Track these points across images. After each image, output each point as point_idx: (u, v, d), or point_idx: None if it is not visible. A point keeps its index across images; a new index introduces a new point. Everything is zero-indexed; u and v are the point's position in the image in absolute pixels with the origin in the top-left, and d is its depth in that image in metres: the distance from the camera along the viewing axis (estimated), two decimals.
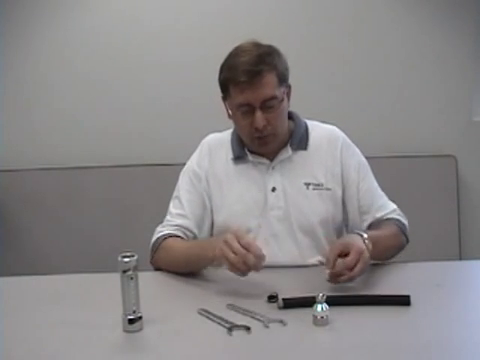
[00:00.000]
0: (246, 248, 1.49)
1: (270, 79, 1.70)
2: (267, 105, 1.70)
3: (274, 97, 1.71)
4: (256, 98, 1.69)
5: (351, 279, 1.52)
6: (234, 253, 1.49)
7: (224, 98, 1.79)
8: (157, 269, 1.79)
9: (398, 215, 1.84)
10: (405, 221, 1.85)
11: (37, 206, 3.05)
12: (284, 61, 1.76)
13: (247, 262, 1.48)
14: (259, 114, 1.70)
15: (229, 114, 1.80)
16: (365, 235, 1.59)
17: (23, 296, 1.64)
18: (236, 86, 1.70)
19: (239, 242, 1.50)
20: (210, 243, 1.65)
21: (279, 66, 1.73)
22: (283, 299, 1.47)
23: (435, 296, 1.53)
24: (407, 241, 1.83)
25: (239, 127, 1.79)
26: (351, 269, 1.50)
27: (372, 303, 1.46)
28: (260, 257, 1.49)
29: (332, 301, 1.40)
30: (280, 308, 1.46)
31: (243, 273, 1.51)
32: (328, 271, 1.53)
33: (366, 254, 1.53)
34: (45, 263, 2.96)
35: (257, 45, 1.73)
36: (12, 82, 3.06)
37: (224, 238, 1.52)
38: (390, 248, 1.74)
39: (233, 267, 1.50)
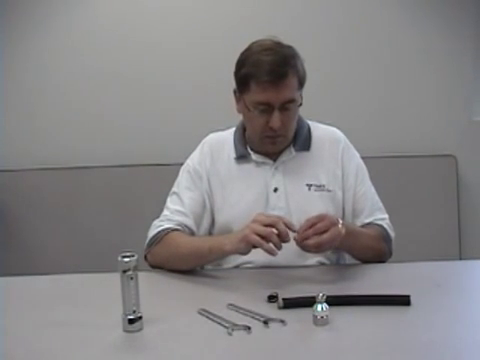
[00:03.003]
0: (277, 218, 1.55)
1: (293, 82, 1.71)
2: (285, 107, 1.71)
3: (294, 100, 1.72)
4: (277, 99, 1.69)
5: (318, 247, 1.55)
6: (264, 225, 1.53)
7: (239, 92, 1.77)
8: (153, 265, 1.78)
9: (386, 224, 1.85)
10: (392, 233, 1.85)
11: (37, 206, 3.05)
12: (302, 63, 1.76)
13: (278, 228, 1.52)
14: (277, 114, 1.70)
15: (239, 108, 1.79)
16: (340, 220, 1.62)
17: (23, 296, 1.63)
18: (259, 84, 1.69)
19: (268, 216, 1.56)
20: (226, 237, 1.65)
21: (300, 69, 1.74)
22: (283, 299, 1.47)
23: (435, 296, 1.53)
24: (390, 253, 1.83)
25: (252, 124, 1.78)
26: (320, 235, 1.54)
27: (372, 303, 1.46)
28: (291, 225, 1.55)
29: (332, 301, 1.40)
30: (280, 308, 1.46)
31: (273, 250, 1.52)
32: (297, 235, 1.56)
33: (338, 227, 1.57)
34: (45, 263, 2.96)
35: (279, 44, 1.74)
36: (13, 82, 3.06)
37: (253, 219, 1.56)
38: (366, 247, 1.76)
39: (263, 240, 1.52)
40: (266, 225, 1.54)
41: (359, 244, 1.73)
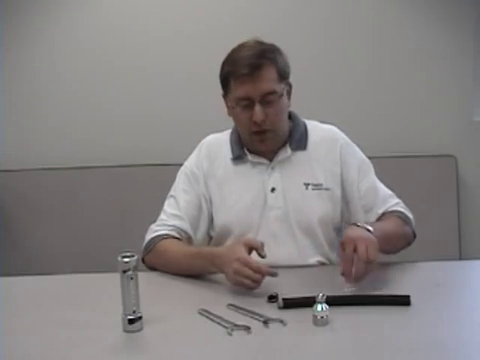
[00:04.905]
0: (257, 271, 1.52)
1: (271, 73, 1.71)
2: (267, 100, 1.71)
3: (274, 92, 1.72)
4: (256, 91, 1.70)
5: (370, 269, 1.49)
6: (248, 278, 1.52)
7: (224, 93, 1.79)
8: (150, 268, 1.79)
9: (401, 207, 1.82)
10: (409, 214, 1.82)
11: (37, 206, 3.04)
12: (285, 58, 1.77)
13: (259, 281, 1.53)
14: (258, 108, 1.70)
15: (228, 111, 1.80)
16: (367, 226, 1.59)
17: (23, 296, 1.64)
18: (237, 79, 1.71)
19: (250, 267, 1.52)
20: (218, 257, 1.61)
21: (280, 62, 1.74)
22: (283, 299, 1.47)
23: (435, 296, 1.53)
24: (414, 234, 1.80)
25: (238, 122, 1.79)
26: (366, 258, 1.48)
27: (372, 303, 1.46)
28: (271, 272, 1.53)
29: (332, 301, 1.40)
30: (280, 308, 1.46)
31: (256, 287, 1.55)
32: (345, 274, 1.51)
33: (372, 239, 1.53)
34: (45, 263, 2.96)
35: (260, 42, 1.75)
36: (12, 82, 3.06)
37: (233, 267, 1.53)
38: (395, 236, 1.72)
39: (249, 288, 1.54)
40: (248, 277, 1.52)
41: (387, 238, 1.65)
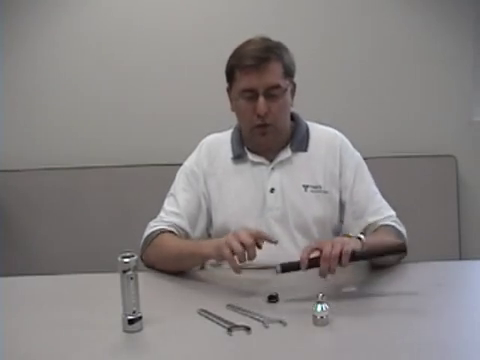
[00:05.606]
0: (255, 236, 1.51)
1: (276, 67, 1.73)
2: (271, 93, 1.72)
3: (278, 86, 1.73)
4: (260, 83, 1.71)
5: (333, 264, 1.45)
6: (240, 243, 1.49)
7: (229, 88, 1.80)
8: (148, 265, 1.78)
9: (393, 222, 1.78)
10: (402, 229, 1.78)
11: (37, 206, 3.04)
12: (291, 57, 1.79)
13: (250, 254, 1.49)
14: (262, 100, 1.71)
15: (232, 106, 1.81)
16: (359, 235, 1.57)
17: (23, 296, 1.64)
18: (242, 70, 1.72)
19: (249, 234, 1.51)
20: (208, 241, 1.66)
21: (286, 58, 1.76)
22: (281, 264, 1.48)
23: (435, 296, 1.53)
24: (405, 251, 1.72)
25: (240, 114, 1.79)
26: (330, 257, 1.45)
27: (371, 256, 1.50)
28: (270, 238, 1.53)
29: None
30: (278, 273, 1.48)
31: (236, 270, 1.51)
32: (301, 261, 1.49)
33: (343, 239, 1.51)
34: (45, 263, 2.96)
35: (266, 39, 1.77)
36: (12, 82, 3.06)
37: (232, 232, 1.54)
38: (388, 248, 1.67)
39: (232, 260, 1.50)
40: (242, 241, 1.50)
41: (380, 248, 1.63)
